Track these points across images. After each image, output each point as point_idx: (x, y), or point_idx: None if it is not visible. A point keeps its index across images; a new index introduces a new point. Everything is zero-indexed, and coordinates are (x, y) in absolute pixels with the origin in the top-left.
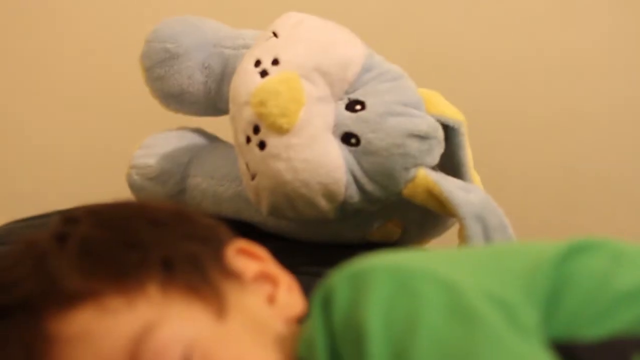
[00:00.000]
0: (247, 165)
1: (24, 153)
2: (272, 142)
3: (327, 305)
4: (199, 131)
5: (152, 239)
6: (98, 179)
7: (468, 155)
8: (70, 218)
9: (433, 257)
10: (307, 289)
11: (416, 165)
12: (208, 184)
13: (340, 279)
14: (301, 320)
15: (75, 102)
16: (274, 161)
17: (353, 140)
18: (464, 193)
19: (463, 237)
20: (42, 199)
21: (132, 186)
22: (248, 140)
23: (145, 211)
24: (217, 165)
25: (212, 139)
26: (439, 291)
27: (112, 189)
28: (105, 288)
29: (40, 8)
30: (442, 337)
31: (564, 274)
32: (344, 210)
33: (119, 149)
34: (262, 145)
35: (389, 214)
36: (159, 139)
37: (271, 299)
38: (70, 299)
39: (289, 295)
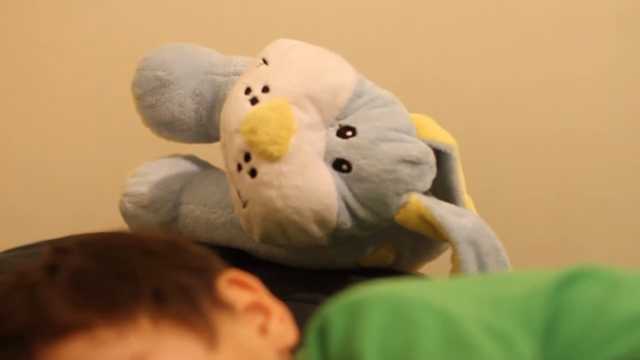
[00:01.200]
0: (238, 193)
1: (14, 180)
2: (263, 169)
3: (323, 335)
4: (192, 158)
5: (143, 270)
6: (90, 207)
7: (460, 179)
8: (60, 249)
9: (428, 286)
10: (300, 316)
11: (408, 190)
12: (201, 211)
13: (336, 308)
14: (293, 350)
15: (67, 129)
16: (265, 189)
17: (344, 167)
18: (457, 217)
19: (456, 262)
20: (34, 226)
21: (125, 214)
22: (239, 168)
23: (137, 241)
24: (209, 192)
25: (204, 166)
26: (435, 320)
27: (105, 217)
28: (96, 319)
29: (35, 29)
30: None
31: (560, 303)
32: (337, 236)
33: (112, 177)
34: (253, 173)
35: (382, 239)
36: (151, 166)
37: (263, 330)
38: (61, 330)
39: (281, 325)
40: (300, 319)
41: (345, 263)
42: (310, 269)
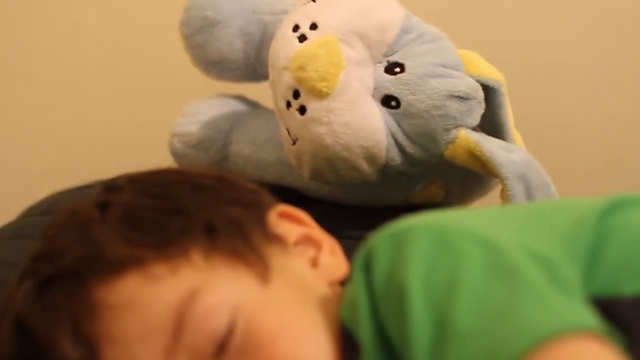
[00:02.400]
0: (288, 130)
1: (66, 124)
2: (312, 106)
3: (368, 265)
4: (240, 98)
5: (194, 205)
6: (140, 148)
7: (509, 115)
8: (111, 186)
9: (473, 215)
10: (350, 253)
11: (457, 126)
12: (250, 150)
13: (380, 239)
14: (344, 283)
15: (116, 71)
16: (314, 125)
17: (393, 103)
18: (506, 153)
19: (505, 197)
20: (84, 170)
21: (175, 154)
22: (288, 105)
23: (188, 177)
24: (258, 131)
25: (253, 105)
26: (479, 249)
27: (155, 158)
28: (149, 255)
29: None
30: (483, 295)
31: (605, 229)
32: (386, 173)
33: (161, 118)
34: (302, 110)
35: (431, 175)
36: (200, 106)
37: (314, 263)
38: (114, 267)
39: (331, 258)
40: (350, 256)
41: (394, 200)
42: (360, 206)
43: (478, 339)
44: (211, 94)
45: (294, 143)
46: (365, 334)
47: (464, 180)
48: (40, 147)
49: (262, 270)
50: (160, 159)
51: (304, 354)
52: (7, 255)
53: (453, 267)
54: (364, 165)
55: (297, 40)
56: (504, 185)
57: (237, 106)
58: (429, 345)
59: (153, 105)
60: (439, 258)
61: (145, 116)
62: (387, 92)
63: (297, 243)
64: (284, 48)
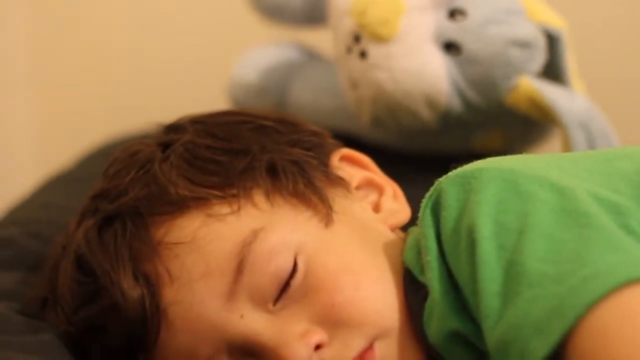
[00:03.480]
0: (348, 76)
1: (128, 66)
2: (373, 51)
3: (436, 207)
4: (298, 45)
5: (257, 146)
6: (199, 94)
7: (570, 63)
8: (174, 127)
9: (540, 160)
10: (410, 200)
11: (518, 73)
12: (308, 98)
13: (449, 182)
14: (406, 227)
15: (176, 16)
16: (375, 71)
17: (455, 49)
18: (568, 101)
19: (566, 146)
20: (140, 115)
21: (234, 102)
22: (349, 50)
23: (250, 118)
24: (317, 79)
25: (310, 53)
26: (549, 193)
27: (213, 106)
28: (212, 195)
29: None
30: (555, 239)
31: None
32: (446, 120)
33: (220, 65)
34: (363, 54)
35: (491, 124)
36: (259, 53)
37: (376, 207)
38: (176, 206)
39: (394, 202)
40: (410, 203)
41: (454, 148)
42: (419, 155)
43: (550, 284)
44: (269, 41)
45: (354, 89)
46: (433, 277)
47: (524, 128)
48: (97, 90)
49: (324, 212)
50: (219, 106)
51: (365, 297)
52: (63, 198)
53: (523, 210)
54: (424, 112)
55: None
56: (566, 133)
57: (295, 54)
58: (499, 288)
59: (212, 52)
60: (509, 200)
61: (204, 63)
62: (448, 38)
63: (359, 187)
64: None
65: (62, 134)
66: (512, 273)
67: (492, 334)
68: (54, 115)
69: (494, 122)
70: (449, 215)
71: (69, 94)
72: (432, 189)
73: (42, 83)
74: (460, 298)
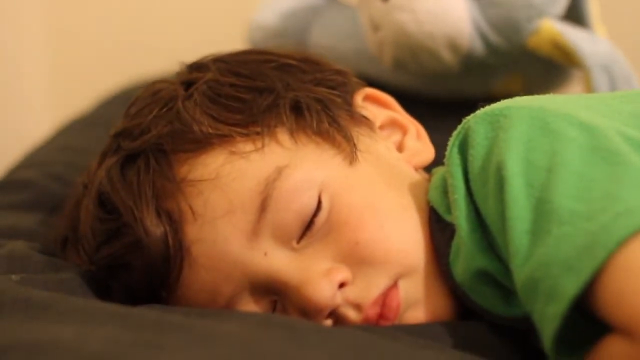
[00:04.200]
0: (369, 18)
1: (147, 9)
2: None
3: (464, 145)
4: None
5: (281, 84)
6: (219, 38)
7: (593, 6)
8: (197, 65)
9: (571, 100)
10: (432, 141)
11: (540, 15)
12: (330, 42)
13: (477, 120)
14: (429, 167)
15: None
16: (398, 13)
17: None
18: (590, 43)
19: (588, 88)
20: (159, 58)
21: (253, 45)
22: None
23: (273, 57)
24: (338, 22)
25: None
26: (579, 131)
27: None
28: (236, 132)
29: None
30: (585, 177)
31: None
32: (468, 63)
33: (240, 8)
34: None
35: (512, 67)
36: None
37: (400, 146)
38: (199, 143)
39: (418, 142)
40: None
41: (475, 92)
42: (439, 99)
43: (581, 221)
44: None
45: (375, 32)
46: (460, 215)
47: (544, 73)
48: (115, 33)
49: (348, 150)
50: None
51: (389, 235)
52: (82, 141)
53: (552, 148)
54: (446, 54)
55: None
56: (588, 76)
57: None
58: (528, 226)
59: None
60: (538, 139)
61: (224, 6)
62: None
63: (383, 126)
64: None
65: (78, 77)
66: (542, 211)
67: (521, 272)
68: (70, 59)
69: (515, 65)
70: (477, 154)
71: (85, 38)
72: (459, 127)
73: (58, 28)
74: (488, 236)
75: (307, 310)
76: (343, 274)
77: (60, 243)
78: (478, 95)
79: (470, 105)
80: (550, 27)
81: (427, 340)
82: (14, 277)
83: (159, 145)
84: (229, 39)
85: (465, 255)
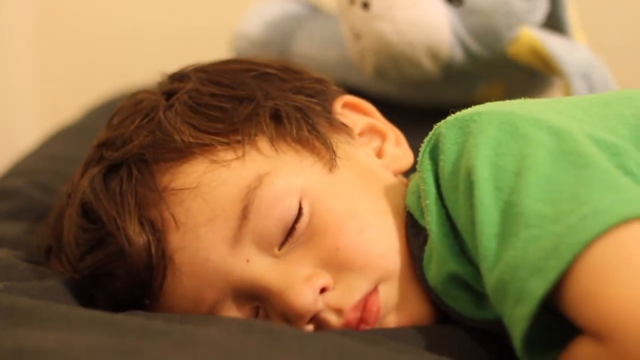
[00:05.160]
0: (351, 27)
1: (133, 19)
2: (376, 2)
3: (435, 151)
4: (302, 0)
5: (260, 93)
6: (204, 48)
7: (572, 14)
8: (178, 75)
9: (538, 104)
10: (412, 149)
11: (520, 23)
12: (312, 51)
13: (447, 125)
14: (408, 173)
15: None
16: (378, 22)
17: (457, 0)
18: (569, 51)
19: (568, 95)
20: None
21: (237, 55)
22: (352, 1)
23: (253, 66)
24: (320, 31)
25: (314, 7)
26: (547, 135)
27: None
28: (216, 141)
29: None
30: (552, 180)
31: None
32: (449, 71)
33: (225, 18)
34: (365, 5)
35: (492, 75)
36: (264, 7)
37: (379, 153)
38: (181, 152)
39: (396, 148)
40: (413, 151)
41: (456, 100)
42: (421, 107)
43: (548, 223)
44: None
45: (357, 41)
46: (432, 220)
47: (525, 80)
48: (101, 43)
49: (328, 157)
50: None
51: (368, 240)
52: (69, 150)
53: (521, 152)
54: (427, 63)
55: None
56: (567, 83)
57: (299, 8)
58: (496, 229)
59: (216, 3)
60: (507, 143)
61: (208, 14)
62: None
63: (362, 133)
64: None
65: (66, 86)
66: (510, 214)
67: (490, 275)
68: (57, 67)
69: (495, 73)
70: (447, 159)
71: (73, 47)
72: (430, 133)
73: (46, 36)
74: (459, 241)
75: (289, 316)
76: (324, 279)
77: (44, 252)
78: (459, 103)
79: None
80: (530, 34)
81: (405, 344)
82: None
83: (141, 155)
84: (215, 49)
85: (437, 259)
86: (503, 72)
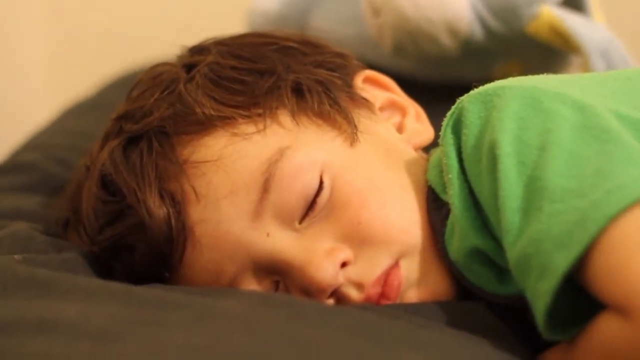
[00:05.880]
0: (370, 3)
1: None
2: None
3: (458, 125)
4: None
5: (281, 66)
6: (219, 24)
7: None
8: (198, 48)
9: (564, 80)
10: (432, 125)
11: (540, 1)
12: (330, 26)
13: (471, 99)
14: (429, 148)
15: None
16: None
17: None
18: (588, 29)
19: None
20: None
21: (253, 30)
22: None
23: (274, 39)
24: (338, 7)
25: None
26: (571, 110)
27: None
28: (238, 114)
29: None
30: (577, 155)
31: None
32: (467, 48)
33: None
34: None
35: (511, 53)
36: None
37: (400, 127)
38: (202, 125)
39: (417, 123)
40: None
41: (473, 77)
42: (439, 84)
43: (572, 198)
44: None
45: (375, 16)
46: (454, 194)
47: (544, 58)
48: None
49: (349, 131)
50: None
51: (389, 214)
52: (84, 125)
53: (545, 127)
54: (445, 39)
55: None
56: (586, 61)
57: None
58: (519, 204)
59: None
60: (530, 117)
61: None
62: None
63: (382, 108)
64: None
65: (79, 61)
66: (533, 189)
67: (513, 249)
68: (71, 42)
69: (514, 51)
70: (470, 133)
71: (86, 22)
72: (453, 107)
73: (59, 11)
74: (481, 215)
75: (310, 290)
76: (345, 253)
77: (61, 225)
78: (477, 80)
79: (469, 90)
80: (550, 12)
81: (426, 320)
82: (16, 257)
83: (162, 128)
84: (230, 25)
85: (460, 233)
86: (522, 50)
